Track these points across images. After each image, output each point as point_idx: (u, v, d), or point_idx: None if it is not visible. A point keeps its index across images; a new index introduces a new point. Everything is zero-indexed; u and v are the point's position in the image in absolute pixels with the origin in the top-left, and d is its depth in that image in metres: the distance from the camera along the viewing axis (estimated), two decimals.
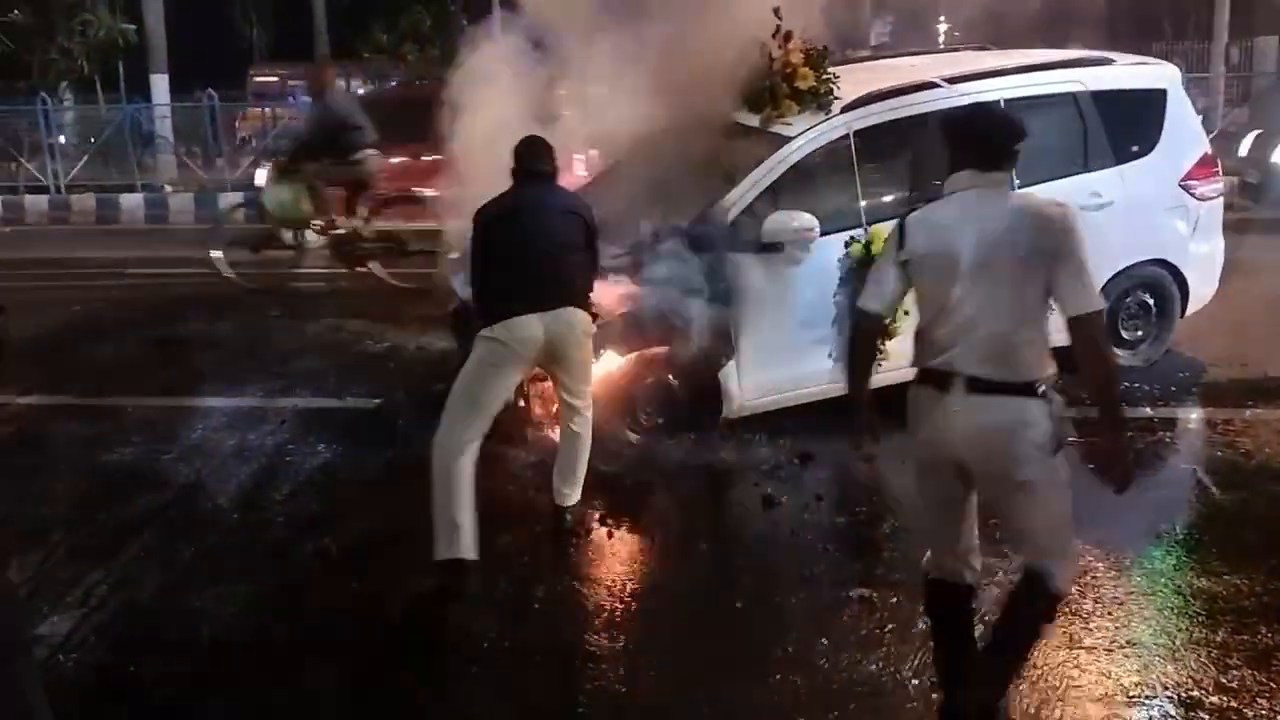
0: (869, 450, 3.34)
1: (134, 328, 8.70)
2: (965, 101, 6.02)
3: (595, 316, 4.72)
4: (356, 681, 3.73)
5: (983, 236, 2.98)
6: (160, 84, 18.66)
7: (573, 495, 4.83)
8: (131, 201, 16.00)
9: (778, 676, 3.66)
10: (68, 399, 6.75)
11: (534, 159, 4.66)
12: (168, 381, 7.19)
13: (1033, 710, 3.42)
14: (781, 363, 5.67)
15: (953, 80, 6.14)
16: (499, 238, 4.56)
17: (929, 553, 3.33)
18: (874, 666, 3.69)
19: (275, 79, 23.62)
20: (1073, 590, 4.11)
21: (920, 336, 3.14)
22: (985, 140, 3.13)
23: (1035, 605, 3.15)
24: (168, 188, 17.00)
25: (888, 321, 3.39)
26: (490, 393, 4.48)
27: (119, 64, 20.26)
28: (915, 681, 3.60)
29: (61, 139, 17.78)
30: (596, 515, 4.88)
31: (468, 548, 4.27)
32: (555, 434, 5.07)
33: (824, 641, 3.85)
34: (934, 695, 3.47)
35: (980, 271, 2.98)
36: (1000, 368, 2.98)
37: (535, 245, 4.53)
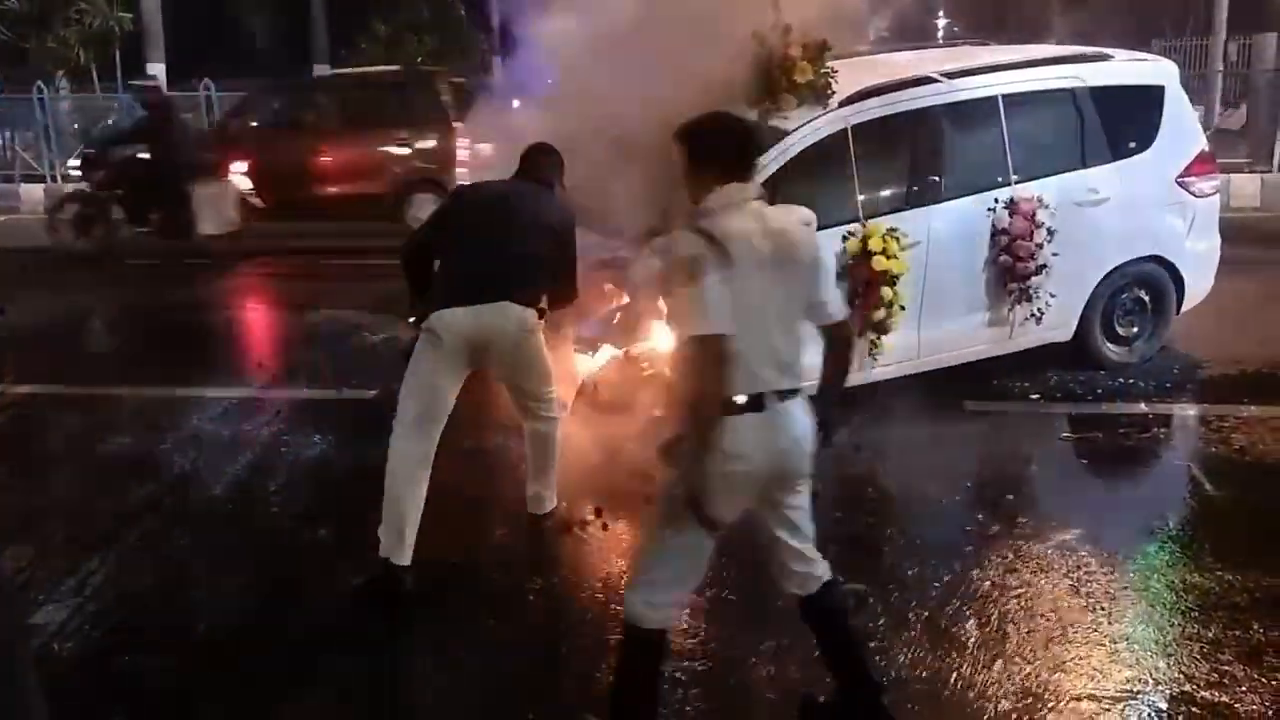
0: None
1: (131, 318, 8.71)
2: (964, 97, 6.09)
3: (542, 314, 4.41)
4: (353, 671, 3.74)
5: (777, 248, 2.96)
6: (157, 73, 18.59)
7: (547, 502, 4.75)
8: None
9: (770, 670, 3.67)
10: (65, 388, 6.75)
11: (531, 164, 4.58)
12: (164, 371, 7.18)
13: (1025, 705, 3.44)
14: None
15: (951, 75, 6.14)
16: (459, 222, 4.43)
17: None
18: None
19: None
20: (1065, 585, 4.15)
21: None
22: (745, 153, 3.09)
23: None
24: None
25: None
26: (432, 390, 4.23)
27: (116, 53, 20.15)
28: (905, 676, 3.62)
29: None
30: (591, 508, 4.88)
31: (406, 557, 4.14)
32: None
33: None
34: (918, 688, 3.49)
35: (776, 284, 2.96)
36: (791, 376, 3.00)
37: (488, 244, 4.32)
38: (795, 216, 3.10)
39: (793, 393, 3.00)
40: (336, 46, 20.46)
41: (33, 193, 16.17)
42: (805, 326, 3.08)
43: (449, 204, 4.70)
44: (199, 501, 5.18)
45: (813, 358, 3.12)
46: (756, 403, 2.94)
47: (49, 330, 8.12)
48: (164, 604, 4.27)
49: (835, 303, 3.14)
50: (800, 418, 3.02)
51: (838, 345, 3.17)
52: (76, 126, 18.00)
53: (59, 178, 16.53)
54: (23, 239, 12.14)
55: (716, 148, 3.04)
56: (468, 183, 4.68)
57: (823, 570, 3.24)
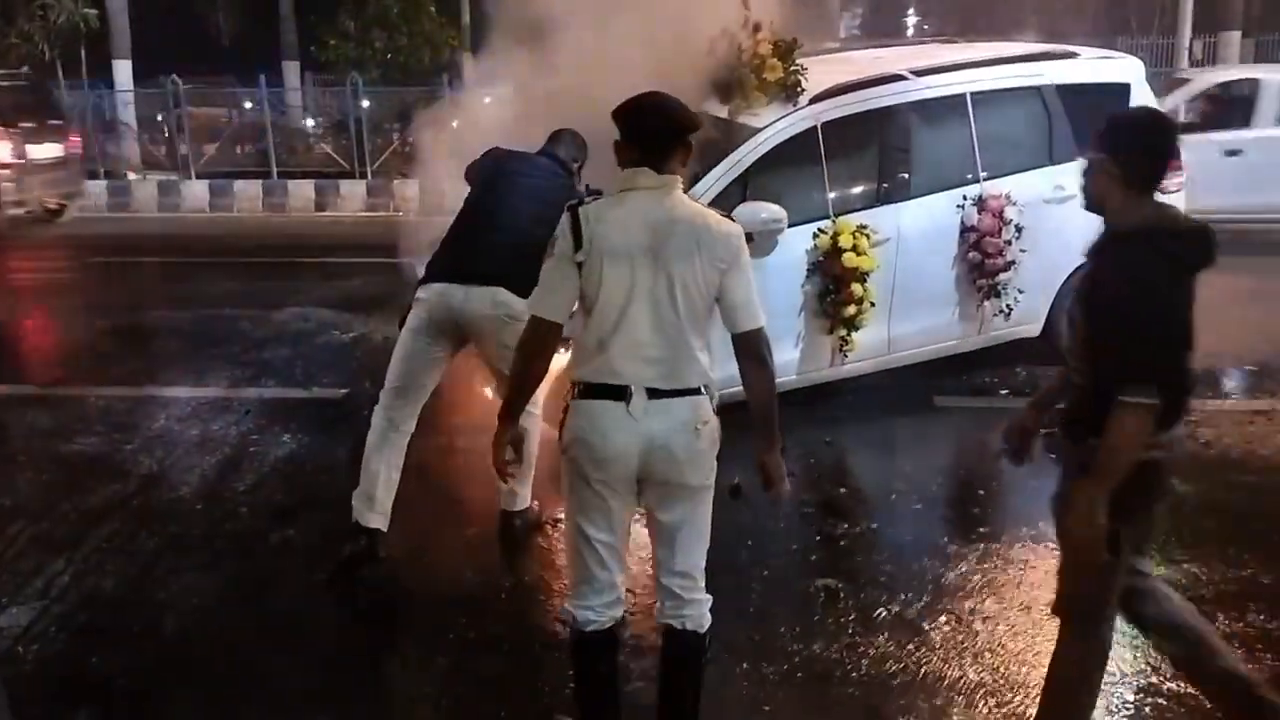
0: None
1: (97, 315, 8.61)
2: (932, 94, 6.12)
3: None
4: (320, 672, 3.72)
5: (665, 239, 2.85)
6: (123, 69, 18.42)
7: (520, 499, 4.63)
8: (94, 188, 15.79)
9: (744, 665, 3.68)
10: (28, 389, 6.67)
11: (552, 142, 4.59)
12: (129, 371, 7.11)
13: (994, 697, 3.47)
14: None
15: (919, 73, 6.18)
16: (476, 185, 4.45)
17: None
18: (836, 656, 3.72)
19: None
20: (1033, 579, 4.19)
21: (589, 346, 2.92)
22: (658, 138, 2.92)
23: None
24: (131, 175, 16.81)
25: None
26: (411, 360, 4.29)
27: (81, 49, 19.93)
28: (875, 671, 3.64)
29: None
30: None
31: (375, 519, 4.24)
32: None
33: (789, 631, 3.87)
34: (895, 683, 3.51)
35: (656, 276, 2.86)
36: (667, 377, 2.87)
37: (490, 219, 4.29)
38: (713, 215, 2.93)
39: (669, 393, 2.85)
40: (305, 43, 20.31)
41: None
42: (705, 329, 2.92)
43: (478, 161, 4.61)
44: (166, 502, 5.13)
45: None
46: (614, 392, 2.85)
47: (7, 328, 8.03)
48: (131, 604, 4.22)
49: (745, 310, 2.93)
50: (678, 421, 2.85)
51: (746, 358, 2.94)
52: None
53: None
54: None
55: (633, 129, 2.94)
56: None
57: (693, 612, 3.01)
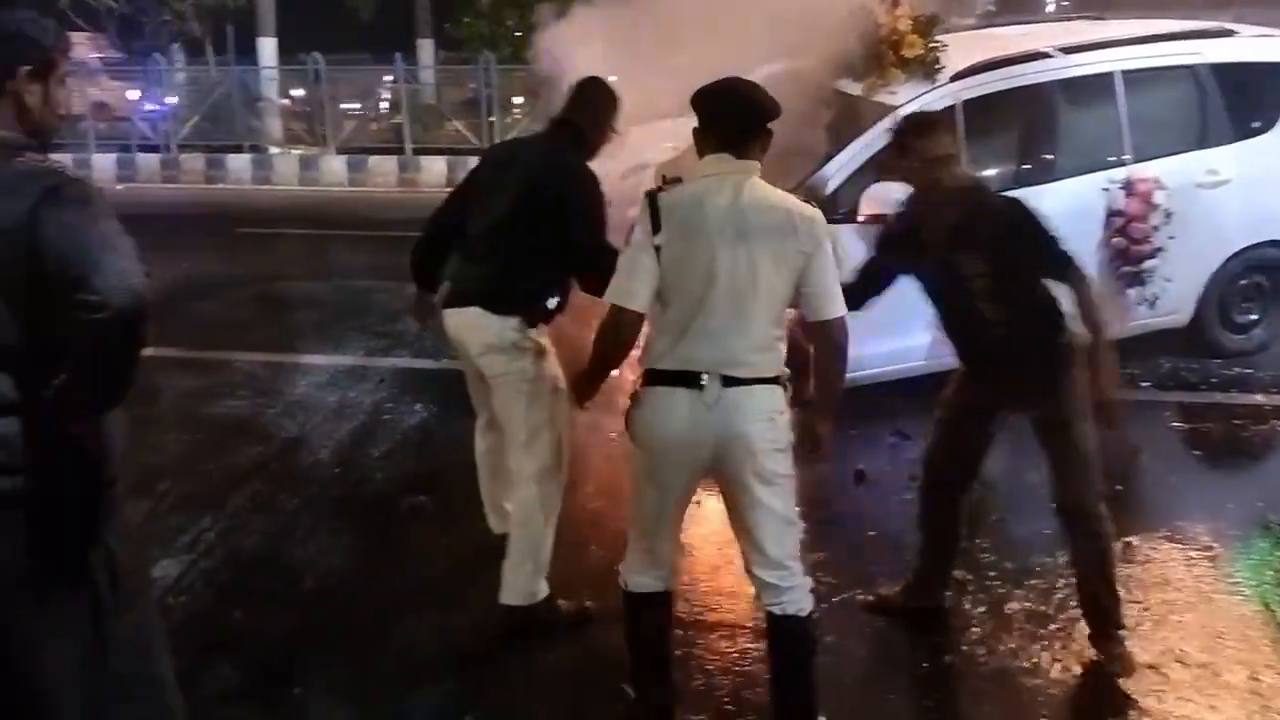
0: None
1: (240, 284, 8.97)
2: (1080, 73, 5.90)
3: (546, 319, 3.71)
4: (446, 635, 3.81)
5: (750, 225, 2.82)
6: (268, 47, 19.07)
7: (512, 593, 3.74)
8: (238, 162, 16.42)
9: (862, 652, 3.64)
10: (177, 352, 6.99)
11: (570, 105, 3.81)
12: (272, 338, 7.40)
13: (1141, 690, 3.36)
14: (878, 336, 5.59)
15: (1066, 50, 5.97)
16: (465, 191, 3.86)
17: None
18: (966, 649, 3.65)
19: None
20: (1173, 576, 4.03)
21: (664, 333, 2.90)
22: (735, 122, 2.90)
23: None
24: (274, 149, 17.41)
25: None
26: (469, 384, 3.95)
27: (228, 27, 20.74)
28: (1012, 667, 3.56)
29: (174, 100, 18.31)
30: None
31: (492, 523, 4.12)
32: None
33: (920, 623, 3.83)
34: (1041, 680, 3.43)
35: (738, 262, 2.83)
36: (743, 365, 2.86)
37: (478, 225, 3.68)
38: (794, 201, 2.91)
39: (747, 382, 2.84)
40: (439, 21, 20.69)
41: (149, 162, 16.77)
42: (783, 319, 2.92)
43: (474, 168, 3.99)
44: (305, 465, 5.33)
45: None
46: (687, 379, 2.84)
47: (157, 295, 8.42)
48: (271, 563, 4.40)
49: (828, 298, 2.89)
50: (754, 411, 2.84)
51: (827, 345, 2.93)
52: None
53: (173, 147, 17.11)
54: (148, 206, 12.56)
55: (713, 115, 2.94)
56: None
57: (792, 598, 2.98)
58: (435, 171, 15.89)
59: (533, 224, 3.58)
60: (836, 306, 2.91)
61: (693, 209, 2.85)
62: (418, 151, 16.44)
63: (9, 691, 2.26)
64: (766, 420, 2.86)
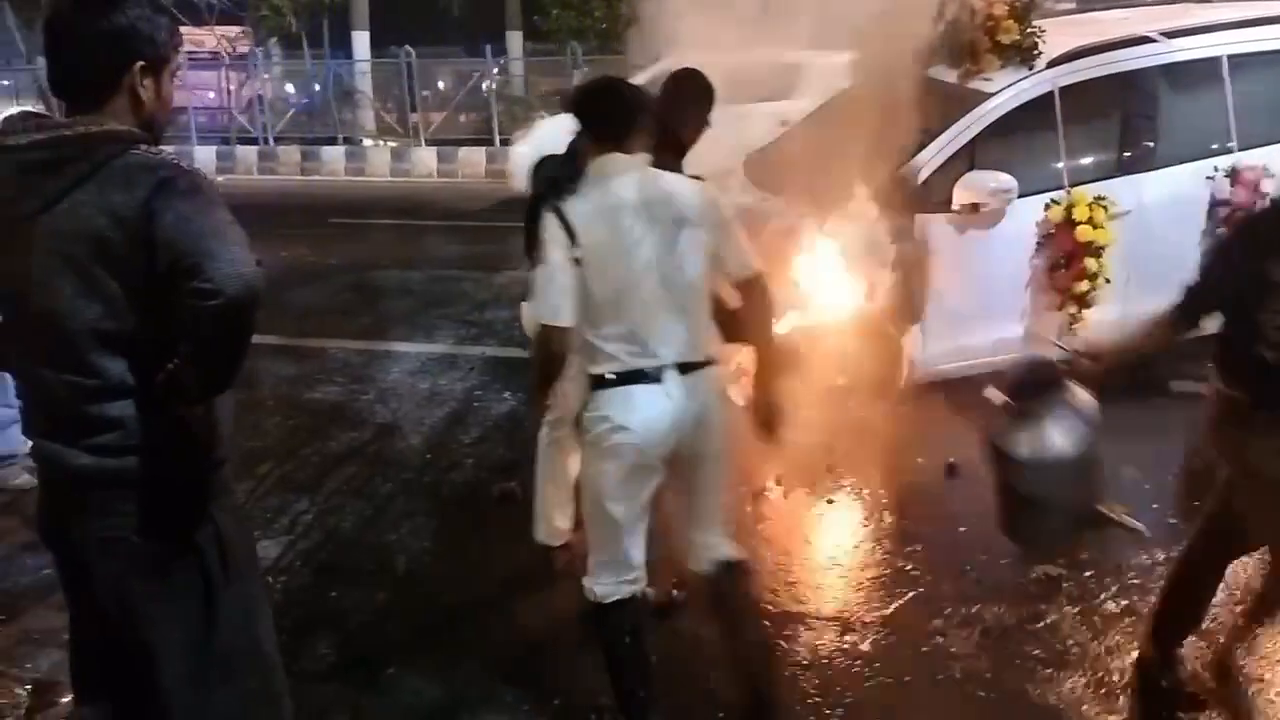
0: None
1: (334, 274, 9.17)
2: (1184, 57, 5.71)
3: None
4: (535, 619, 3.86)
5: (661, 215, 2.90)
6: (361, 40, 19.41)
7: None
8: (333, 154, 16.77)
9: (939, 639, 3.60)
10: (276, 339, 7.18)
11: (665, 101, 3.65)
12: (365, 326, 7.56)
13: (1247, 695, 3.27)
14: (971, 328, 5.51)
15: (1170, 35, 5.78)
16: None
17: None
18: (1059, 646, 3.59)
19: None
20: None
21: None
22: (618, 119, 2.96)
23: None
24: (367, 141, 17.74)
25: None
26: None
27: (324, 21, 21.15)
28: (1106, 664, 3.49)
29: (270, 92, 18.76)
30: (773, 477, 4.87)
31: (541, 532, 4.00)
32: None
33: (1002, 615, 3.77)
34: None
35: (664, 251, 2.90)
36: (690, 349, 2.94)
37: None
38: (688, 182, 3.02)
39: (696, 366, 2.93)
40: (528, 13, 20.82)
41: (247, 154, 17.20)
42: (707, 300, 3.00)
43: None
44: (399, 450, 5.44)
45: None
46: (643, 376, 2.88)
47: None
48: (367, 544, 4.51)
49: (746, 256, 3.02)
50: (708, 392, 2.96)
51: (756, 300, 3.04)
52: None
53: (271, 140, 17.54)
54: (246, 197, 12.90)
55: (593, 115, 2.99)
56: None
57: (728, 545, 3.14)
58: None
59: None
60: (752, 262, 3.02)
61: (605, 213, 2.89)
62: (505, 142, 16.59)
63: (121, 664, 2.36)
64: (718, 398, 3.02)
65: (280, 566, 4.29)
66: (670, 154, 3.51)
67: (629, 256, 2.88)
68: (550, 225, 2.89)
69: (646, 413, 2.90)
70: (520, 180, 9.42)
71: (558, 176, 3.19)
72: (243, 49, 19.93)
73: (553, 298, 2.88)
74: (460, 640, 3.79)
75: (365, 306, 8.27)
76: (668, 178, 3.00)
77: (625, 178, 2.93)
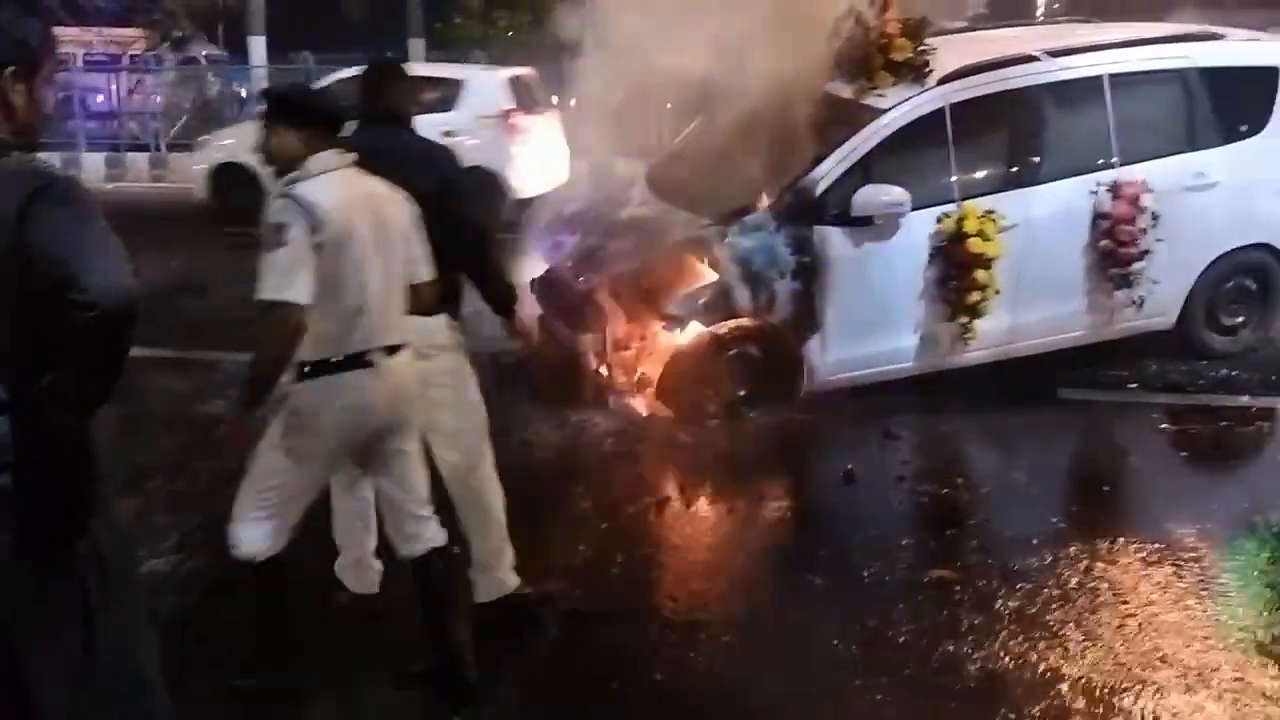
0: None
1: (226, 285, 8.93)
2: (1068, 76, 5.93)
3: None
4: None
5: (374, 212, 3.11)
6: (257, 46, 19.00)
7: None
8: None
9: (854, 649, 3.65)
10: (166, 351, 6.96)
11: (381, 94, 3.66)
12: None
13: (1115, 696, 3.38)
14: (867, 338, 5.62)
15: (1054, 54, 5.99)
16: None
17: None
18: (950, 648, 3.66)
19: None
20: (1160, 578, 4.05)
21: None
22: (335, 119, 3.20)
23: None
24: None
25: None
26: None
27: (219, 25, 20.71)
28: (999, 666, 3.57)
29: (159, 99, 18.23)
30: (679, 487, 4.89)
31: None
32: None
33: (900, 622, 3.83)
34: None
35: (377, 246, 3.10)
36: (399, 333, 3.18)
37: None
38: (388, 185, 3.19)
39: (401, 349, 3.16)
40: (430, 20, 20.65)
41: (138, 161, 16.69)
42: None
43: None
44: None
45: None
46: (359, 361, 3.07)
47: (145, 295, 8.37)
48: None
49: (426, 261, 3.25)
50: (412, 371, 3.22)
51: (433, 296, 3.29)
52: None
53: (163, 147, 17.06)
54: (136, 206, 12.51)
55: (315, 113, 3.16)
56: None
57: (433, 532, 3.32)
58: None
59: None
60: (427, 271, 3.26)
61: (340, 206, 3.02)
62: None
63: None
64: (420, 382, 3.28)
65: (170, 585, 4.15)
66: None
67: (355, 249, 3.04)
68: (289, 209, 2.99)
69: (357, 398, 3.09)
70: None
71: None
72: (135, 53, 19.35)
73: (293, 277, 2.96)
74: (359, 656, 3.71)
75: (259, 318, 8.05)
76: (373, 179, 3.17)
77: (344, 172, 3.12)
